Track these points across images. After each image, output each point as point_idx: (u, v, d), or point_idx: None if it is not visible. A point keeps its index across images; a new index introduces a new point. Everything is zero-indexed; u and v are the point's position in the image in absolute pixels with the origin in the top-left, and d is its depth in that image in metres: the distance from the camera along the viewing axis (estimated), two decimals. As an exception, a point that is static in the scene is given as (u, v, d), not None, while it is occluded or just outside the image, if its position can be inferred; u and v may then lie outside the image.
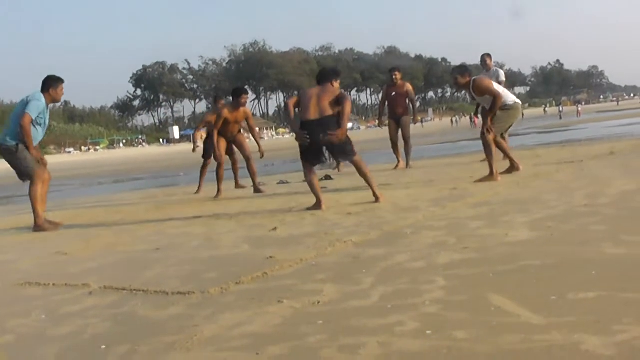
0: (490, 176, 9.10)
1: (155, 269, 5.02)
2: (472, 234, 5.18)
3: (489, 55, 13.31)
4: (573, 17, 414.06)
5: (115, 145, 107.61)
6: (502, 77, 12.87)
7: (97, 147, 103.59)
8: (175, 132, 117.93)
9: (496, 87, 9.69)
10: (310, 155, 7.95)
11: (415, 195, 8.17)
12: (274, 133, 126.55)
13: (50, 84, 8.37)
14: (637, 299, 3.12)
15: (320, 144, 7.82)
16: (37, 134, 8.31)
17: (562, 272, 3.74)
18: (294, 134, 8.05)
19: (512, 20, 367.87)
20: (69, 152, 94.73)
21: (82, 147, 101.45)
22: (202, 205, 9.55)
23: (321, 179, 12.24)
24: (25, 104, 8.18)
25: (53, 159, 77.64)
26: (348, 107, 7.78)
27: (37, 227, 8.21)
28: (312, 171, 7.99)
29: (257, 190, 10.78)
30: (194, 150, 14.55)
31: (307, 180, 8.00)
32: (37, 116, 8.20)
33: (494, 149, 9.34)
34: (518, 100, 10.08)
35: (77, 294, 4.39)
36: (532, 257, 4.11)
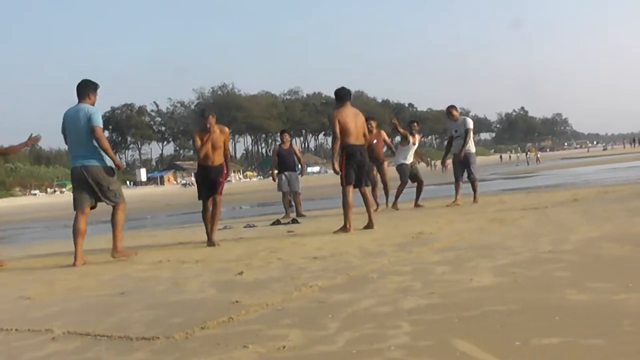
0: None
1: (120, 313, 4.96)
2: (438, 279, 5.20)
3: (454, 106, 13.95)
4: (538, 65, 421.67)
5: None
6: (470, 125, 13.53)
7: (64, 189, 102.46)
8: (142, 174, 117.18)
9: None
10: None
11: (381, 239, 8.20)
12: (241, 176, 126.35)
13: (92, 88, 8.43)
14: (600, 344, 3.15)
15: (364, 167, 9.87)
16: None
17: (526, 317, 3.76)
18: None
19: (479, 66, 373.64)
20: (35, 194, 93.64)
21: (48, 189, 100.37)
22: (168, 249, 9.49)
23: (288, 223, 12.30)
24: (87, 118, 8.15)
25: (18, 201, 77.10)
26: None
27: (119, 253, 8.41)
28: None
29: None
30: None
31: (348, 201, 9.69)
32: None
33: None
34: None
35: (40, 340, 4.32)
36: (497, 303, 4.14)
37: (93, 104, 8.38)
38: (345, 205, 9.64)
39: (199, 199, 9.69)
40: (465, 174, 13.52)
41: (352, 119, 9.74)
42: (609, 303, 3.93)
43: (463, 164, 13.48)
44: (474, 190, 13.56)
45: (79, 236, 8.27)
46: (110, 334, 4.22)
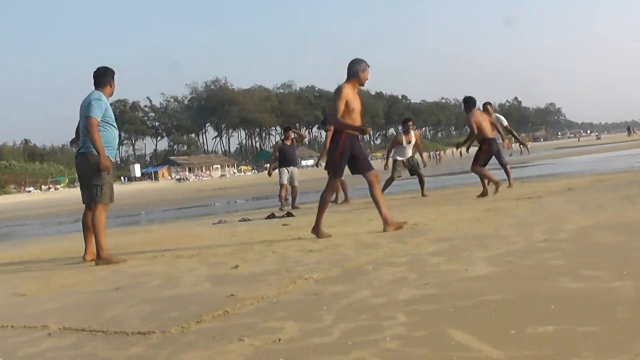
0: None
1: (115, 309, 4.96)
2: (433, 269, 5.20)
3: (489, 103, 15.21)
4: (531, 55, 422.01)
5: (76, 184, 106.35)
6: (505, 122, 15.10)
7: (58, 186, 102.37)
8: (137, 169, 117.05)
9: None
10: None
11: (376, 231, 8.19)
12: (235, 170, 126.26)
13: (111, 76, 8.02)
14: (595, 332, 3.16)
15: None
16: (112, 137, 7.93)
17: (522, 306, 3.77)
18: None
19: (472, 57, 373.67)
20: (29, 191, 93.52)
21: (43, 186, 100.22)
22: (162, 243, 9.47)
23: (282, 216, 12.31)
24: (86, 106, 7.74)
25: (13, 198, 76.84)
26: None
27: (102, 260, 7.61)
28: None
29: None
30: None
31: (483, 174, 12.81)
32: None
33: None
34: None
35: (35, 336, 4.32)
36: (492, 292, 4.14)
37: (112, 93, 8.07)
38: (481, 177, 12.94)
39: (374, 169, 8.34)
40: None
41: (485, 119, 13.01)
42: (604, 291, 3.94)
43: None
44: (507, 174, 14.52)
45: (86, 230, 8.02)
46: (106, 329, 4.21)
